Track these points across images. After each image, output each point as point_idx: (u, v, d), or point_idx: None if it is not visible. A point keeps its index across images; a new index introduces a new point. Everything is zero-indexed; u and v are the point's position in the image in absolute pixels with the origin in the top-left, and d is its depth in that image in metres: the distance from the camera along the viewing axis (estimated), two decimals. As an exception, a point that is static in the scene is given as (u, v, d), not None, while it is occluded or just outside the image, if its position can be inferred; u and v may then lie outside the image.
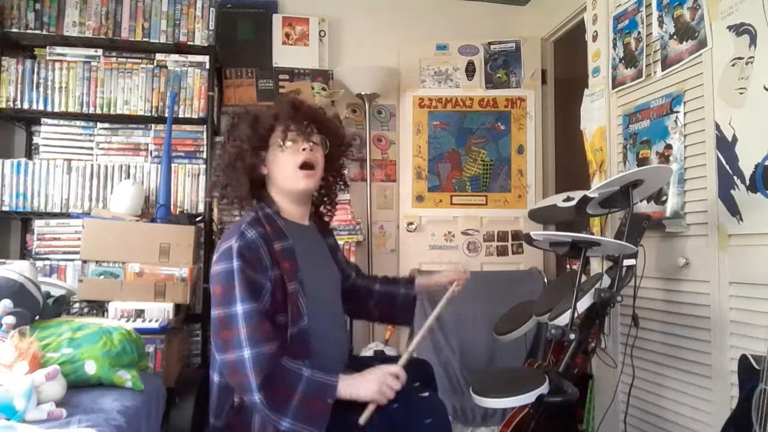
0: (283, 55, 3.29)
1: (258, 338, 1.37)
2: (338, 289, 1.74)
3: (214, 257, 1.49)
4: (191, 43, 2.84)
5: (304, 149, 1.57)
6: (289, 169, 1.57)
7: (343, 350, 1.69)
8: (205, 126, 2.85)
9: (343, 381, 1.41)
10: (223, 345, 1.40)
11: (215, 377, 1.52)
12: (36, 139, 2.82)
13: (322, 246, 1.75)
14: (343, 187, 1.79)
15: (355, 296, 1.83)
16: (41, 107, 2.71)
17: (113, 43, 2.81)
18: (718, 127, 1.92)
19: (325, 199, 1.77)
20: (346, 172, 1.79)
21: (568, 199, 2.40)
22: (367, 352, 2.98)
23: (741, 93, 1.83)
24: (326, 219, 1.81)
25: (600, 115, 2.62)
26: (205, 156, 2.83)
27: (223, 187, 1.60)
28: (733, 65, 1.87)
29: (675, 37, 2.13)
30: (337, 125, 1.73)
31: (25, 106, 2.70)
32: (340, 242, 3.00)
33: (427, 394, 1.54)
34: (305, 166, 1.57)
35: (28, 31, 2.72)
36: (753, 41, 1.79)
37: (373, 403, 1.41)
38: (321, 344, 1.53)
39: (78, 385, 1.63)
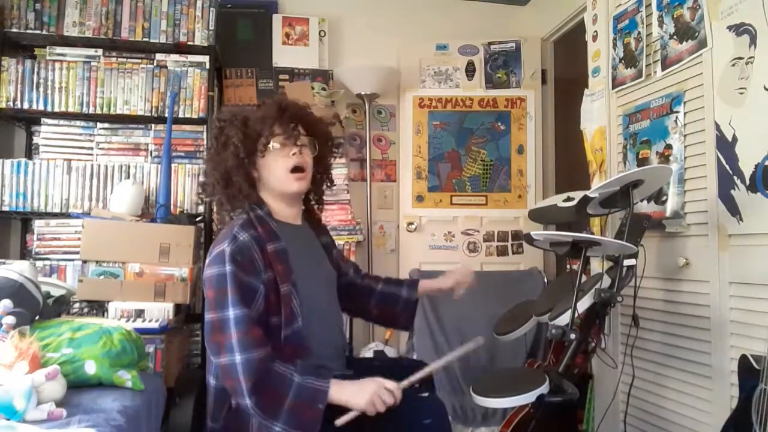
0: (283, 55, 3.29)
1: (248, 343, 1.38)
2: (333, 288, 1.74)
3: (207, 260, 1.49)
4: (191, 43, 2.84)
5: (293, 153, 1.57)
6: (280, 173, 1.57)
7: (339, 349, 1.68)
8: (205, 126, 2.85)
9: (335, 386, 1.39)
10: (217, 349, 1.41)
11: (212, 380, 1.52)
12: (36, 139, 2.81)
13: (316, 245, 1.74)
14: (329, 185, 1.79)
15: (354, 294, 1.82)
16: (41, 107, 2.71)
17: (113, 43, 2.81)
18: (718, 127, 1.92)
19: (313, 196, 1.77)
20: (332, 169, 1.78)
21: (569, 199, 2.40)
22: (367, 352, 2.98)
23: (741, 93, 1.83)
24: (317, 216, 1.80)
25: (600, 115, 2.62)
26: (205, 156, 2.83)
27: (223, 193, 1.58)
28: (733, 65, 1.87)
29: (675, 37, 2.13)
30: (324, 125, 1.72)
31: (25, 106, 2.70)
32: (340, 242, 3.01)
33: (426, 394, 1.54)
34: (296, 169, 1.57)
35: (28, 31, 2.71)
36: (753, 41, 1.79)
37: (359, 411, 1.39)
38: (316, 344, 1.53)
39: (78, 385, 1.63)
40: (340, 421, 1.38)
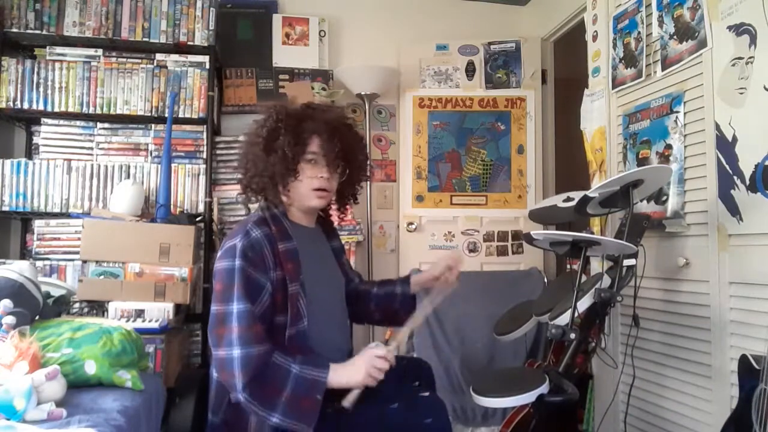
0: (283, 55, 3.29)
1: (248, 339, 1.39)
2: (341, 292, 1.75)
3: (218, 253, 1.50)
4: (191, 43, 2.84)
5: (322, 176, 1.57)
6: (304, 188, 1.58)
7: (343, 353, 1.68)
8: (205, 126, 2.85)
9: (332, 372, 1.42)
10: (217, 341, 1.42)
11: (214, 373, 1.53)
12: (36, 139, 2.81)
13: (327, 248, 1.76)
14: (353, 201, 1.79)
15: (357, 301, 1.83)
16: (41, 107, 2.71)
17: (113, 43, 2.81)
18: (718, 127, 1.92)
19: (335, 207, 1.77)
20: (360, 190, 1.78)
21: (568, 199, 2.40)
22: (367, 352, 2.98)
23: (741, 93, 1.83)
24: (331, 221, 1.81)
25: (600, 115, 2.62)
26: (205, 156, 2.83)
27: (257, 185, 1.58)
28: (733, 65, 1.87)
29: (675, 37, 2.13)
30: (363, 149, 1.71)
31: (25, 106, 2.70)
32: (340, 242, 3.01)
33: (427, 394, 1.54)
34: (319, 189, 1.58)
35: (28, 31, 2.72)
36: (753, 41, 1.79)
37: (360, 387, 1.43)
38: (320, 346, 1.53)
39: (78, 385, 1.63)
40: (347, 401, 1.41)
